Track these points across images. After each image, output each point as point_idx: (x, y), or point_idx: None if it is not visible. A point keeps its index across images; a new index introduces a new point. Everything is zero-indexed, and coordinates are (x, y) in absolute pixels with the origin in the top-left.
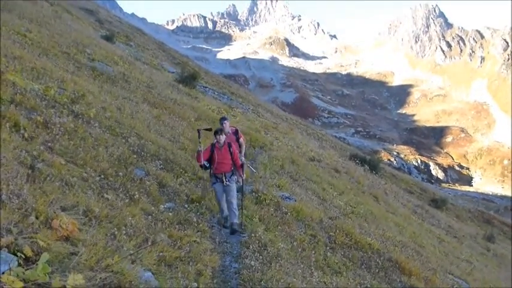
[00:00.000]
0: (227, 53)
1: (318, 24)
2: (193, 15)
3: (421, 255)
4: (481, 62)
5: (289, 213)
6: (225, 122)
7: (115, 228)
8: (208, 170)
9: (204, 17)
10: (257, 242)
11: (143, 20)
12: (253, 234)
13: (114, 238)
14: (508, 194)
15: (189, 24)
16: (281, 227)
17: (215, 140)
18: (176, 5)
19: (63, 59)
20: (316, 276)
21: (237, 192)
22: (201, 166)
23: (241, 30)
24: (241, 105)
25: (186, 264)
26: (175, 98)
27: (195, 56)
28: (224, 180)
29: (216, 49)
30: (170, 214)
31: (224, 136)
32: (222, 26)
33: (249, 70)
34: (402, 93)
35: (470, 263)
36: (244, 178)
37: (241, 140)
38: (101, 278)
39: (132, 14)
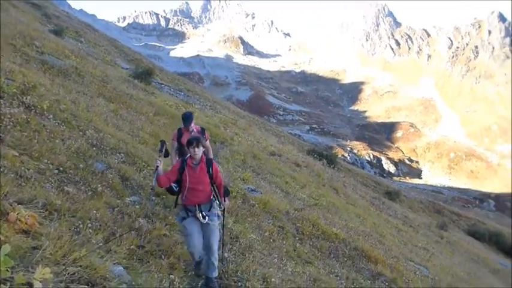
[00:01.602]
0: (181, 50)
1: (272, 23)
2: (146, 12)
3: (383, 244)
4: (428, 60)
5: (256, 205)
6: (192, 118)
7: (79, 222)
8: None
9: (157, 14)
10: (228, 233)
11: (93, 16)
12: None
13: (79, 232)
14: (455, 185)
15: (141, 21)
16: (250, 218)
17: (187, 155)
18: (127, 3)
19: (9, 51)
20: (289, 266)
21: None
22: (167, 190)
23: (195, 27)
24: (199, 101)
25: (158, 258)
26: (131, 93)
27: (147, 53)
28: (199, 215)
29: (170, 47)
30: (137, 207)
31: (201, 149)
32: (175, 23)
33: (203, 68)
34: (354, 90)
35: (428, 251)
36: (227, 207)
37: (207, 142)
38: (69, 272)
39: (81, 10)
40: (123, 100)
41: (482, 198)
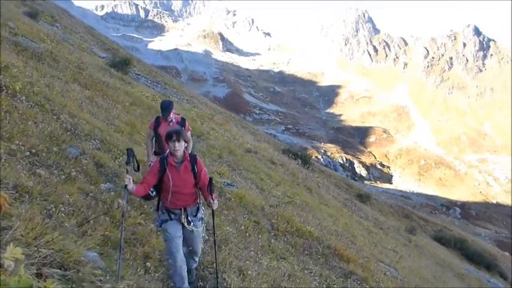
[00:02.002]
0: (159, 43)
1: (253, 21)
2: (125, 2)
3: (355, 244)
4: (404, 68)
5: (232, 199)
6: (172, 107)
7: (51, 206)
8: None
9: (136, 5)
10: (205, 225)
11: (69, 2)
12: None
13: (51, 216)
14: (424, 191)
15: (119, 11)
16: (226, 211)
17: (167, 152)
18: None
19: None
20: (264, 260)
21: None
22: (144, 197)
23: (175, 21)
24: (176, 95)
25: (133, 246)
26: (108, 81)
27: (125, 44)
28: (184, 220)
29: (148, 39)
30: (112, 194)
31: (183, 144)
32: (154, 15)
33: (181, 62)
34: (331, 93)
35: (397, 253)
36: (215, 206)
37: (188, 133)
38: (41, 255)
39: None
40: (99, 88)
41: (448, 205)
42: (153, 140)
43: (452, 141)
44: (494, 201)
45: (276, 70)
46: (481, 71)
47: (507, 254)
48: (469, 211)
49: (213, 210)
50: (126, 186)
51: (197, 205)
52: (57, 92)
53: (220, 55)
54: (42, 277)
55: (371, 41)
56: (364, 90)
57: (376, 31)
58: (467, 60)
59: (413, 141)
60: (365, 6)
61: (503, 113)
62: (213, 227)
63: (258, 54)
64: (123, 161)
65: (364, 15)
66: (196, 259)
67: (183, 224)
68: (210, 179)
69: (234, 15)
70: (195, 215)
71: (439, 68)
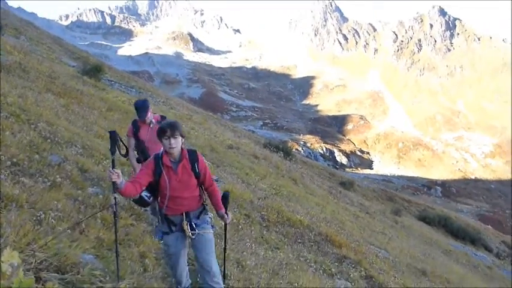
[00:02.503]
0: (129, 49)
1: (221, 19)
2: (90, 10)
3: (344, 230)
4: (374, 53)
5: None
6: (148, 106)
7: (40, 212)
8: (154, 206)
9: (102, 12)
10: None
11: (33, 14)
12: None
13: (41, 222)
14: (404, 173)
15: (85, 19)
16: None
17: (161, 151)
18: (68, 2)
19: None
20: (260, 251)
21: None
22: (136, 202)
23: (143, 25)
24: (151, 97)
25: (128, 246)
26: (81, 89)
27: (94, 52)
28: (187, 227)
29: (117, 45)
30: (100, 197)
31: (180, 140)
32: (121, 21)
33: (153, 66)
34: (305, 84)
35: (385, 235)
36: (229, 220)
37: None
38: (36, 260)
39: (19, 8)
40: (74, 95)
41: (429, 185)
42: (135, 148)
43: (428, 121)
44: (473, 177)
45: (249, 66)
46: (449, 50)
47: (489, 227)
48: (449, 189)
49: (225, 223)
50: (114, 183)
51: (202, 207)
52: (32, 102)
53: (192, 55)
54: (41, 281)
55: (340, 30)
56: (338, 79)
57: (345, 19)
58: (435, 41)
59: (390, 125)
60: None
61: (473, 90)
62: (224, 240)
63: (229, 51)
64: (107, 164)
65: (331, 5)
66: (216, 280)
67: (185, 235)
68: (226, 195)
69: (202, 14)
70: (199, 217)
71: (408, 51)
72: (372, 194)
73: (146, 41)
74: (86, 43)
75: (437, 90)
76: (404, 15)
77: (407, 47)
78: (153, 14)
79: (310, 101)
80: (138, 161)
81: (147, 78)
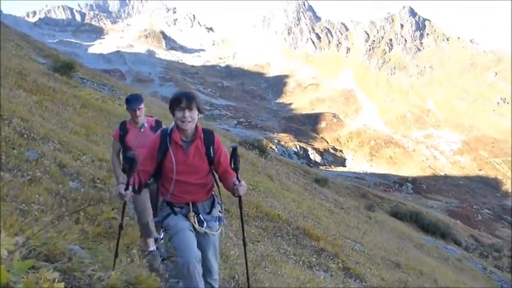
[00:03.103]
0: (99, 47)
1: (194, 17)
2: (58, 7)
3: (320, 224)
4: (347, 53)
5: None
6: (142, 99)
7: (23, 205)
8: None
9: (71, 9)
10: (223, 228)
11: None
12: None
13: (25, 215)
14: (376, 171)
15: (53, 16)
16: None
17: (171, 126)
18: (36, 2)
19: None
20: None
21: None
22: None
23: (114, 22)
24: (124, 96)
25: (113, 239)
26: (54, 86)
27: (63, 50)
28: (194, 219)
29: (87, 43)
30: (82, 191)
31: (197, 114)
32: (91, 18)
33: (124, 64)
34: (279, 83)
35: (360, 229)
36: (242, 192)
37: None
38: (25, 248)
39: None
40: (46, 92)
41: (401, 182)
42: (120, 154)
43: (399, 120)
44: (442, 174)
45: (223, 65)
46: (419, 50)
47: (458, 221)
48: (420, 185)
49: (239, 197)
50: (125, 202)
51: (211, 198)
52: (4, 98)
53: (164, 54)
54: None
55: (313, 29)
56: (311, 78)
57: (318, 19)
58: (405, 41)
59: (362, 124)
60: None
61: (442, 89)
62: (241, 219)
63: (202, 50)
64: (85, 160)
65: (304, 4)
66: (215, 278)
67: (191, 226)
68: (234, 149)
69: (175, 12)
70: (209, 212)
71: (380, 51)
72: (345, 190)
73: (117, 39)
74: (55, 41)
75: (408, 89)
76: (376, 15)
77: (379, 47)
78: (124, 12)
79: (284, 99)
80: (124, 170)
81: (118, 76)
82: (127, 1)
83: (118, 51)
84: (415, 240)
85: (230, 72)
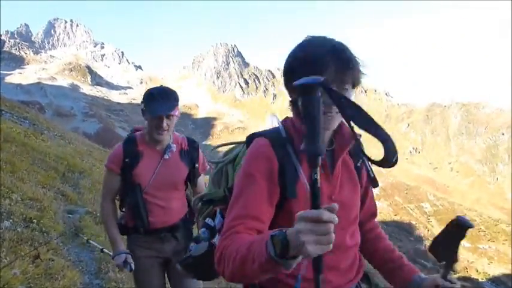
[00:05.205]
0: (19, 77)
1: (123, 54)
2: None
3: None
4: (273, 98)
5: None
6: (174, 106)
7: None
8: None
9: None
10: None
11: None
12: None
13: None
14: None
15: None
16: None
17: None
18: None
19: None
20: None
21: None
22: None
23: (36, 53)
24: (47, 131)
25: (53, 280)
26: None
27: None
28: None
29: (5, 72)
30: (18, 230)
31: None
32: (12, 46)
33: (45, 97)
34: (207, 125)
35: None
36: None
37: (201, 178)
38: None
39: None
40: None
41: None
42: (117, 199)
43: None
44: None
45: None
46: None
47: None
48: None
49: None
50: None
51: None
52: None
53: (89, 89)
54: None
55: (241, 74)
56: (238, 121)
57: (246, 64)
58: None
59: None
60: (233, 42)
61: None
62: None
63: (129, 87)
64: (16, 198)
65: (233, 49)
66: None
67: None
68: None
69: (102, 47)
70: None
71: None
72: None
73: (39, 70)
74: None
75: None
76: None
77: None
78: (48, 43)
79: (211, 141)
80: (122, 229)
81: (37, 109)
82: (52, 32)
83: (39, 83)
84: None
85: None
